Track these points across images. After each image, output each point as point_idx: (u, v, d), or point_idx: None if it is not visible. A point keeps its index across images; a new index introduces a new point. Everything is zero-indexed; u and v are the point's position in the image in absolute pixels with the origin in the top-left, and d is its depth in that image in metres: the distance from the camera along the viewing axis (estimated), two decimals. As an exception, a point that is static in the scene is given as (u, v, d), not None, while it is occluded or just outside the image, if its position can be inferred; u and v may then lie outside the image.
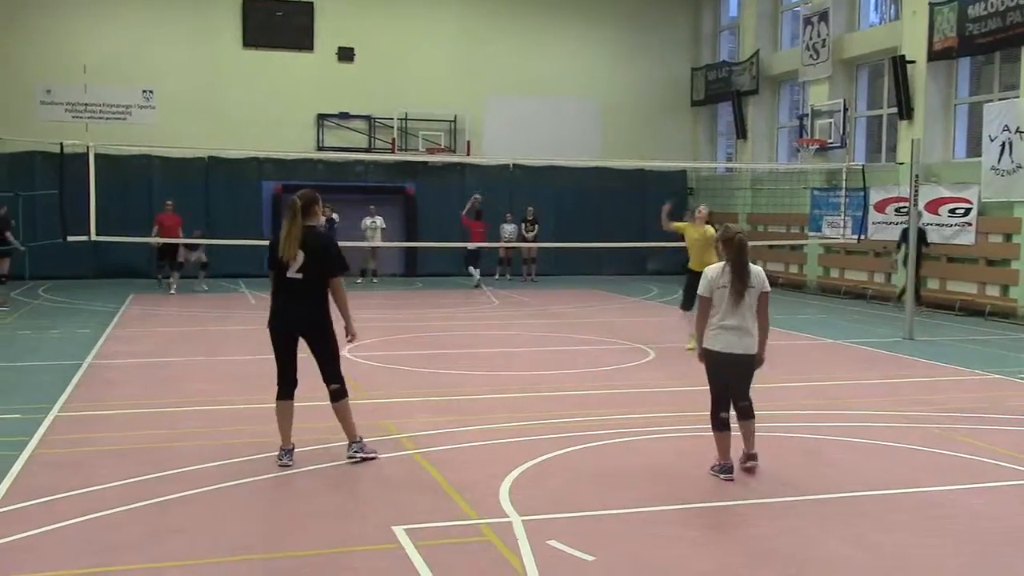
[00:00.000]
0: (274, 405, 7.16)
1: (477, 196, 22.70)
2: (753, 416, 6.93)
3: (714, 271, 6.85)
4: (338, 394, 7.11)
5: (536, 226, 24.38)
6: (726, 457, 6.84)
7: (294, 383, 7.15)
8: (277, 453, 7.09)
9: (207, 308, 17.59)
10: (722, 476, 6.78)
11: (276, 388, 7.17)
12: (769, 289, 6.87)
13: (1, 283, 17.62)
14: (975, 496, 6.61)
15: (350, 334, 7.18)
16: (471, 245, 21.49)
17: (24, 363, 11.65)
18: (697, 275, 12.48)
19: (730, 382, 6.87)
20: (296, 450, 7.15)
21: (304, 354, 7.16)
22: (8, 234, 17.46)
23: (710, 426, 6.90)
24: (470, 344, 13.85)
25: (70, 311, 16.91)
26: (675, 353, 12.62)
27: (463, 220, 22.27)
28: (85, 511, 5.94)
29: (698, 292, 6.93)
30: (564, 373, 11.26)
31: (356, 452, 7.10)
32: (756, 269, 6.83)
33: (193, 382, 10.50)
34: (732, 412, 6.91)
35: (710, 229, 12.62)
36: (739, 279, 6.67)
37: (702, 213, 13.11)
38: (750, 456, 6.93)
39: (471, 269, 22.58)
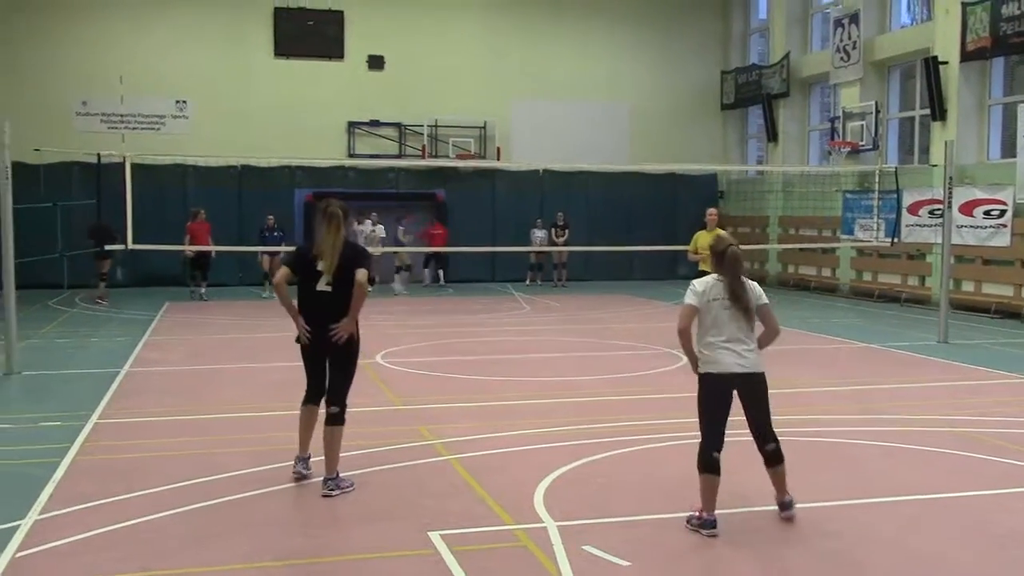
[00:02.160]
0: None
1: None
2: (783, 459, 6.05)
3: (704, 283, 6.04)
4: (335, 419, 6.69)
5: (567, 231, 24.39)
6: (710, 507, 5.82)
7: (322, 391, 6.92)
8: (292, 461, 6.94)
9: (240, 316, 17.76)
10: (704, 532, 5.77)
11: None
12: (766, 301, 6.11)
13: (102, 280, 19.41)
14: (1014, 501, 6.56)
15: (344, 330, 6.68)
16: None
17: (64, 371, 11.84)
18: None
19: (747, 414, 6.02)
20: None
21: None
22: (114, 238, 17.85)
23: (696, 466, 5.91)
24: (501, 350, 13.89)
25: (107, 319, 17.14)
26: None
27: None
28: (127, 517, 6.03)
29: (684, 301, 6.04)
30: (596, 378, 11.27)
31: (331, 489, 6.55)
32: (751, 284, 6.08)
33: (228, 389, 10.61)
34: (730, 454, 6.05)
35: (722, 232, 12.48)
36: (733, 296, 5.90)
37: (713, 216, 12.93)
38: (784, 504, 6.11)
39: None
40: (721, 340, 5.90)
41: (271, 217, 21.35)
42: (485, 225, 24.69)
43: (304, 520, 6.15)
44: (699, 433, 5.96)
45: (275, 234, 20.98)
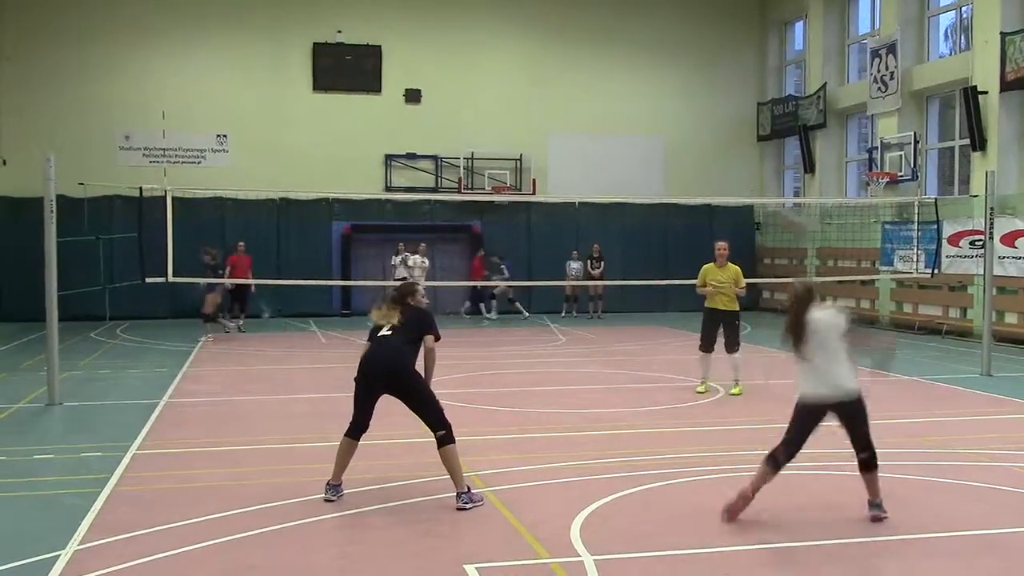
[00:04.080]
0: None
1: (500, 262, 23.85)
2: (875, 467, 6.70)
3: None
4: (444, 440, 7.03)
5: (602, 263, 24.34)
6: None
7: (364, 428, 7.26)
8: (324, 486, 7.20)
9: (278, 347, 17.87)
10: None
11: (345, 425, 7.28)
12: (847, 327, 6.63)
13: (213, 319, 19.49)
14: (1061, 538, 6.41)
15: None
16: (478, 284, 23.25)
17: (104, 401, 11.96)
18: (713, 312, 12.26)
19: (847, 434, 6.74)
20: (371, 488, 7.22)
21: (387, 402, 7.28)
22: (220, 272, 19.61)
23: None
24: (537, 382, 13.85)
25: (147, 350, 17.33)
26: (745, 391, 12.46)
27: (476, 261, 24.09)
28: (165, 547, 6.07)
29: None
30: (632, 410, 11.20)
31: (465, 503, 6.94)
32: (820, 315, 6.64)
33: (264, 420, 10.66)
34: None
35: (736, 268, 12.26)
36: (792, 334, 6.67)
37: (723, 250, 12.30)
38: (874, 504, 6.72)
39: (482, 306, 24.21)
40: (807, 363, 6.69)
41: (210, 250, 19.51)
42: (521, 257, 24.71)
43: (340, 553, 6.14)
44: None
45: (218, 271, 19.51)
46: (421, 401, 7.11)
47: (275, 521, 6.64)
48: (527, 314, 23.91)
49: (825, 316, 6.64)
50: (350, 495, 7.21)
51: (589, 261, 24.41)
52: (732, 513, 6.54)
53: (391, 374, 7.10)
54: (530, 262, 24.98)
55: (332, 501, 7.09)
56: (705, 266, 12.42)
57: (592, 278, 24.03)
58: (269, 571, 5.72)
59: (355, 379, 7.24)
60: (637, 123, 26.78)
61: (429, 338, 7.23)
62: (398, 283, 7.68)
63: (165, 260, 15.10)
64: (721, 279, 12.18)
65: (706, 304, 12.38)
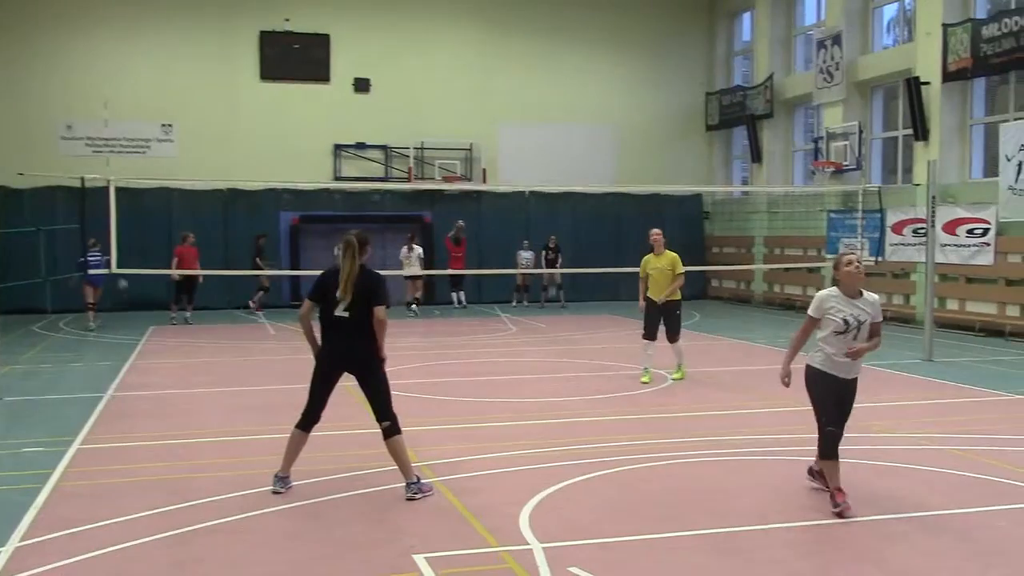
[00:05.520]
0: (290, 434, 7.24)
1: (460, 223, 23.55)
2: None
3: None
4: (388, 431, 7.04)
5: (559, 254, 24.29)
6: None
7: (317, 419, 7.20)
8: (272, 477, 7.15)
9: (226, 339, 17.69)
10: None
11: (296, 417, 7.23)
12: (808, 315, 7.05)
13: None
14: (998, 517, 6.57)
15: (379, 357, 7.08)
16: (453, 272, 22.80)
17: (47, 396, 11.75)
18: (654, 302, 12.36)
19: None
20: (320, 479, 7.19)
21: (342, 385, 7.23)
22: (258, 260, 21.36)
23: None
24: (487, 371, 13.86)
25: (90, 343, 17.05)
26: (690, 378, 12.60)
27: (447, 243, 23.49)
28: (109, 542, 5.98)
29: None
30: (580, 399, 11.26)
31: (414, 494, 6.94)
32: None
33: (212, 413, 10.56)
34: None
35: (672, 255, 12.29)
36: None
37: (657, 236, 12.42)
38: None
39: (453, 294, 23.90)
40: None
41: (93, 239, 18.32)
42: (471, 247, 24.69)
43: (288, 545, 6.10)
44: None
45: (99, 257, 18.35)
46: (375, 390, 7.08)
47: (222, 514, 6.59)
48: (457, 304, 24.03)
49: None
50: (298, 487, 7.17)
51: (545, 252, 24.40)
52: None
53: (353, 364, 7.06)
54: (480, 252, 24.95)
55: (280, 493, 7.05)
56: (646, 256, 12.55)
57: (547, 268, 23.94)
58: (216, 564, 5.67)
59: (318, 358, 7.13)
60: (587, 113, 26.86)
61: (380, 308, 7.00)
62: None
63: (109, 251, 14.87)
64: (658, 266, 12.33)
65: (648, 294, 12.47)
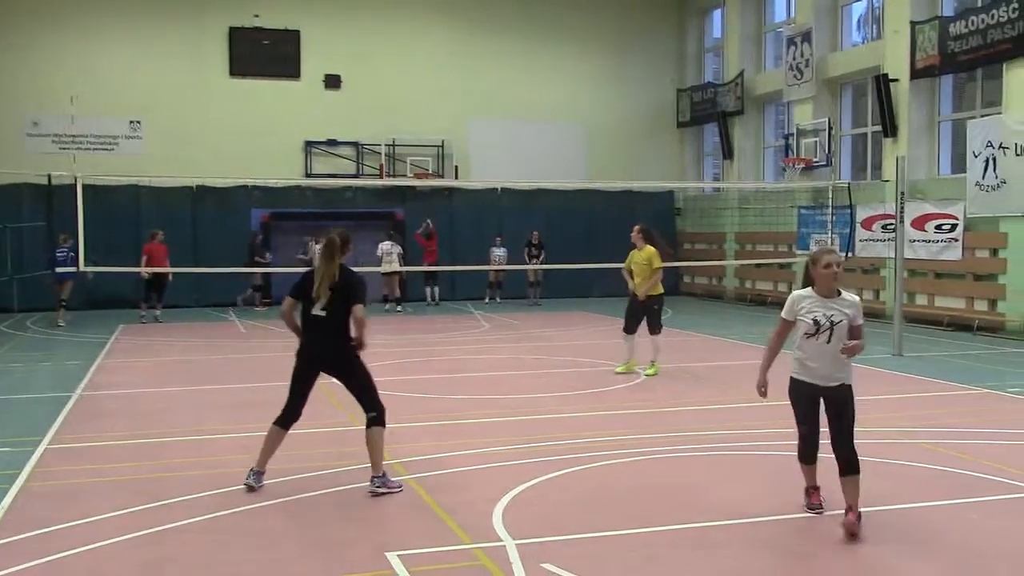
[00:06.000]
0: (264, 432, 7.19)
1: (428, 221, 23.67)
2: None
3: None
4: (374, 421, 7.07)
5: (541, 251, 24.28)
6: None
7: (296, 417, 7.17)
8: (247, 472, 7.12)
9: (196, 337, 17.53)
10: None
11: (272, 415, 7.19)
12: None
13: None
14: (968, 511, 6.63)
15: (360, 345, 7.05)
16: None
17: (14, 395, 11.59)
18: (634, 296, 12.63)
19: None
20: (293, 478, 7.14)
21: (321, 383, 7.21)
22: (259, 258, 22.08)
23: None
24: (460, 368, 13.84)
25: (59, 342, 16.85)
26: (664, 374, 12.64)
27: (417, 239, 23.44)
28: (79, 543, 5.91)
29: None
30: (553, 396, 11.26)
31: (378, 487, 6.95)
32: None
33: (183, 412, 10.45)
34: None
35: (649, 250, 12.54)
36: None
37: (635, 232, 12.74)
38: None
39: (427, 289, 23.96)
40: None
41: (63, 234, 18.42)
42: (444, 243, 24.63)
43: (260, 543, 6.05)
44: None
45: (66, 253, 18.42)
46: (360, 386, 7.09)
47: (193, 514, 6.53)
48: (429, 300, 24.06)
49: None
50: (271, 485, 7.12)
51: (528, 248, 24.37)
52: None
53: (330, 364, 7.09)
54: (453, 248, 24.89)
55: (253, 488, 7.00)
56: (632, 251, 12.89)
57: (533, 264, 23.95)
58: (186, 565, 5.62)
59: (297, 356, 7.15)
60: (559, 109, 26.87)
61: (358, 307, 6.97)
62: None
63: (76, 249, 14.71)
64: (637, 261, 12.67)
65: (631, 288, 12.75)
